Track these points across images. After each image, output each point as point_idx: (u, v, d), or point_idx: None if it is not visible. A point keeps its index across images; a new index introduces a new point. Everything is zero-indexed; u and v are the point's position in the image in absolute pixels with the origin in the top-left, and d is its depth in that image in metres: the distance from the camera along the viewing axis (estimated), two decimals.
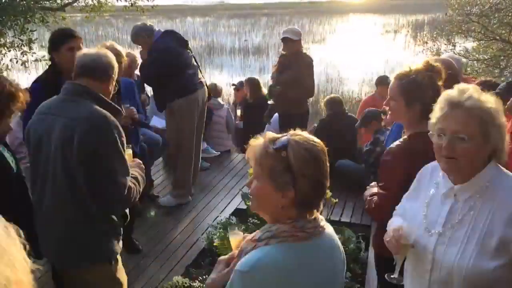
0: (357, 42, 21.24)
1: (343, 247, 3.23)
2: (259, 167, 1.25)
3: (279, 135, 1.26)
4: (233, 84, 6.76)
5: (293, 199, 1.21)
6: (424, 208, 1.61)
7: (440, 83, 2.00)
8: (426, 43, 12.45)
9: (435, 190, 1.61)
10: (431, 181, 1.64)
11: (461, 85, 1.52)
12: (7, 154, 2.19)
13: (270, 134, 1.28)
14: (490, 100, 1.45)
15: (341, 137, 4.82)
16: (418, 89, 1.96)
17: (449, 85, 1.65)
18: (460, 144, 1.43)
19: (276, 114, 5.36)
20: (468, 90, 1.47)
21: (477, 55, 10.31)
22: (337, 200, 3.85)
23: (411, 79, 1.97)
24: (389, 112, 2.10)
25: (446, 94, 1.51)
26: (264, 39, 23.82)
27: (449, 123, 1.46)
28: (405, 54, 16.58)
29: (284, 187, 1.21)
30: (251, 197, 1.32)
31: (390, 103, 2.06)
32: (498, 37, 9.64)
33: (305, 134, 1.27)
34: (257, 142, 1.27)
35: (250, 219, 3.47)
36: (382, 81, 5.73)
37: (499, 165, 1.50)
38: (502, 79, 8.39)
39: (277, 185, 1.21)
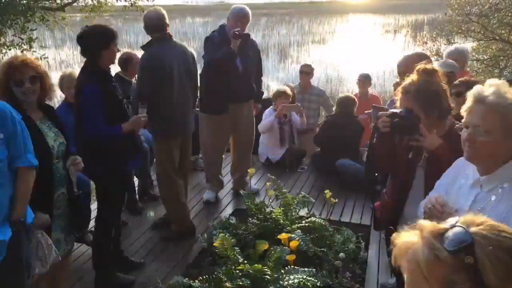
0: (356, 42, 21.24)
1: (343, 247, 3.26)
2: (424, 283, 0.77)
3: (446, 225, 0.80)
4: None
5: None
6: (453, 197, 1.68)
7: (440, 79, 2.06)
8: (426, 43, 12.46)
9: (465, 180, 1.68)
10: (463, 172, 1.71)
11: (491, 80, 1.56)
12: (52, 132, 2.47)
13: (428, 225, 0.82)
14: None
15: (345, 137, 4.85)
16: (433, 98, 2.01)
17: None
18: (480, 137, 1.49)
19: (270, 108, 5.35)
20: (495, 85, 1.51)
21: (476, 55, 10.32)
22: (336, 200, 3.87)
23: (422, 92, 2.01)
24: None
25: (475, 89, 1.55)
26: (264, 39, 23.81)
27: (471, 117, 1.52)
28: (405, 54, 16.55)
29: None
30: None
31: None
32: (497, 37, 9.64)
33: (491, 221, 0.81)
34: (410, 239, 0.82)
35: (250, 219, 3.48)
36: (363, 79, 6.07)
37: None
38: (502, 79, 8.39)
39: None
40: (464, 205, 1.62)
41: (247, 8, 4.22)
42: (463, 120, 1.58)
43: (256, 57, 4.50)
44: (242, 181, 4.66)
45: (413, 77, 2.08)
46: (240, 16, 4.17)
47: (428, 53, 11.01)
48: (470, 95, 1.55)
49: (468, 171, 1.69)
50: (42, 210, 2.34)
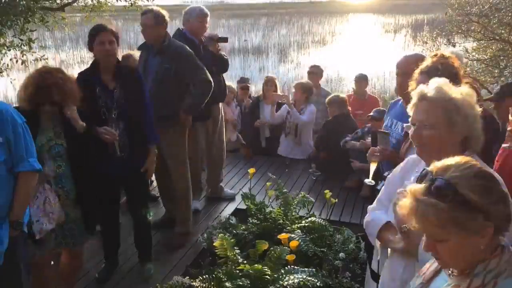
0: (356, 42, 21.24)
1: (343, 247, 3.26)
2: (437, 228, 1.06)
3: (427, 182, 1.08)
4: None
5: (493, 232, 1.06)
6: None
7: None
8: (426, 43, 12.43)
9: (414, 179, 1.68)
10: (413, 171, 1.74)
11: (434, 79, 1.63)
12: (51, 132, 2.50)
13: (413, 187, 1.10)
14: (459, 91, 1.56)
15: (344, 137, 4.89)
16: (453, 78, 1.97)
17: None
18: (425, 132, 1.56)
19: (285, 106, 5.47)
20: (437, 83, 1.58)
21: (477, 55, 10.30)
22: (336, 200, 3.87)
23: (446, 70, 2.01)
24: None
25: (419, 88, 1.63)
26: (264, 39, 23.80)
27: (417, 114, 1.60)
28: (405, 54, 16.54)
29: (481, 227, 1.04)
30: (439, 259, 1.14)
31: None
32: (498, 37, 9.63)
33: (452, 162, 1.11)
34: (409, 205, 1.09)
35: (250, 219, 3.48)
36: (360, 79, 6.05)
37: (475, 155, 1.56)
38: (502, 79, 8.39)
39: (471, 232, 1.04)
40: None
41: (205, 8, 4.16)
42: (409, 119, 1.64)
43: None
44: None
45: (430, 60, 2.09)
46: (204, 16, 4.08)
47: (429, 53, 11.03)
48: (414, 94, 1.63)
49: (419, 169, 1.69)
50: None
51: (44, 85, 2.42)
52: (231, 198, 4.57)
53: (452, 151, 1.52)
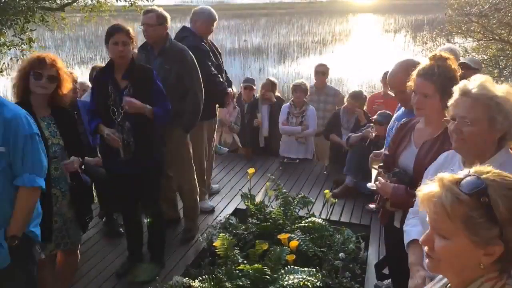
0: (356, 42, 21.25)
1: (343, 247, 3.26)
2: (448, 221, 0.98)
3: (460, 175, 1.01)
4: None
5: (499, 255, 0.96)
6: None
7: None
8: (426, 43, 12.46)
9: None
10: (447, 166, 1.73)
11: (476, 76, 1.63)
12: (49, 131, 2.50)
13: (447, 176, 1.02)
14: (500, 89, 1.57)
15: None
16: (451, 84, 1.94)
17: None
18: (466, 127, 1.56)
19: (286, 105, 5.44)
20: (480, 80, 1.58)
21: (476, 55, 10.31)
22: (336, 200, 3.87)
23: (442, 74, 2.00)
24: (421, 109, 2.08)
25: (461, 83, 1.62)
26: (263, 39, 23.83)
27: (458, 109, 1.60)
28: (405, 54, 16.62)
29: (488, 241, 0.95)
30: (431, 257, 1.05)
31: (424, 101, 2.05)
32: (497, 37, 9.64)
33: (495, 170, 1.02)
34: (433, 188, 1.01)
35: (250, 219, 3.48)
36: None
37: (509, 151, 1.60)
38: (502, 79, 8.39)
39: (478, 240, 0.96)
40: None
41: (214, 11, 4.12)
42: (449, 114, 1.65)
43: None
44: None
45: (428, 62, 2.06)
46: (213, 20, 4.06)
47: (428, 53, 11.02)
48: (456, 90, 1.62)
49: (453, 165, 1.70)
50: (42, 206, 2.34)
51: (40, 59, 2.45)
52: (209, 211, 4.36)
53: (490, 148, 1.59)
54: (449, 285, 1.10)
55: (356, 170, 4.48)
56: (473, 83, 1.58)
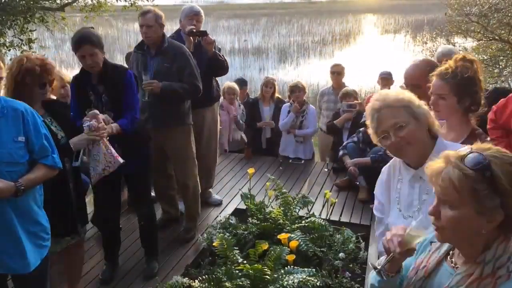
0: (356, 42, 21.25)
1: (343, 247, 3.25)
2: (456, 194, 1.10)
3: (462, 151, 1.14)
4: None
5: (500, 222, 1.10)
6: (395, 201, 1.80)
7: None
8: (426, 43, 12.45)
9: (400, 183, 1.79)
10: (393, 178, 1.82)
11: (374, 95, 1.78)
12: (53, 127, 2.56)
13: (453, 152, 1.15)
14: (402, 92, 1.73)
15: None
16: (469, 85, 2.01)
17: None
18: (401, 132, 1.65)
19: (286, 104, 5.42)
20: (380, 94, 1.74)
21: (476, 55, 10.32)
22: (336, 200, 3.87)
23: (459, 76, 2.00)
24: (437, 111, 2.07)
25: (368, 107, 1.74)
26: (263, 39, 23.83)
27: (386, 122, 1.67)
28: (405, 54, 16.61)
29: (492, 211, 1.09)
30: (439, 227, 1.17)
31: (440, 102, 2.07)
32: (497, 37, 9.64)
33: (488, 145, 1.16)
34: (440, 165, 1.14)
35: (250, 219, 3.48)
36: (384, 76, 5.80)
37: (441, 138, 1.73)
38: (502, 79, 8.40)
39: (483, 210, 1.09)
40: (412, 203, 1.72)
41: (198, 6, 4.07)
42: (378, 135, 1.72)
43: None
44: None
45: (450, 63, 2.05)
46: (192, 14, 3.98)
47: (428, 53, 11.03)
48: (368, 114, 1.73)
49: (397, 174, 1.79)
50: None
51: (42, 65, 2.46)
52: (218, 204, 4.46)
53: (426, 142, 1.69)
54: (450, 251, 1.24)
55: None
56: (380, 97, 1.71)
